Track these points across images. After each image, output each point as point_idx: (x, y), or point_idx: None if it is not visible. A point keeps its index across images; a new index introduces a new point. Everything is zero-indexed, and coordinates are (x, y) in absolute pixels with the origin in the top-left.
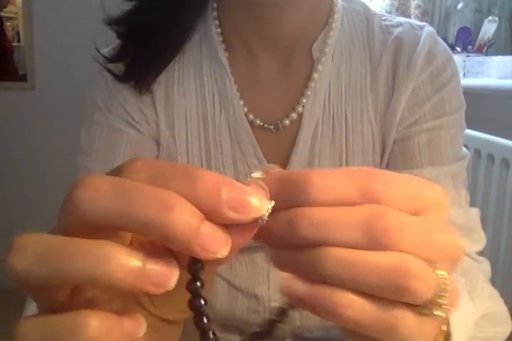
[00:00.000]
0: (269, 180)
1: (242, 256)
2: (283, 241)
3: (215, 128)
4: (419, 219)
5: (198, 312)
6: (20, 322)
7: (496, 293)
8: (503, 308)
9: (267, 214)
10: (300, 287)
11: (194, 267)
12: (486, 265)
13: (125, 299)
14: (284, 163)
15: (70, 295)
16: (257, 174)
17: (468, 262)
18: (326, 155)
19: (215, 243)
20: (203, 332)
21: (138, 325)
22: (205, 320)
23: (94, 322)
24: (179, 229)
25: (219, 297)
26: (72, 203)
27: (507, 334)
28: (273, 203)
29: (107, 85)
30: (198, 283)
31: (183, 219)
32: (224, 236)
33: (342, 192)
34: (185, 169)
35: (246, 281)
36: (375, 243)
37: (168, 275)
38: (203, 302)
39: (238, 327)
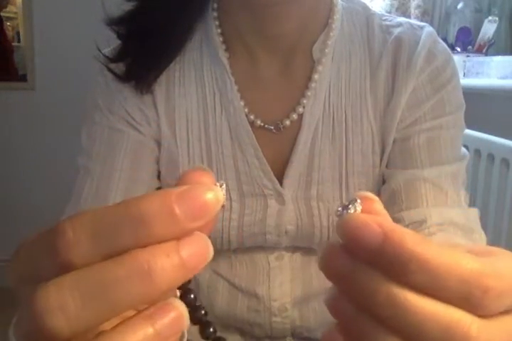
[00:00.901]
0: (375, 226)
1: (242, 255)
2: (352, 297)
3: (216, 129)
4: (507, 332)
5: (201, 323)
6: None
7: None
8: None
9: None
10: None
11: (188, 298)
12: None
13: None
14: (285, 163)
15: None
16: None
17: None
18: (326, 156)
19: (202, 258)
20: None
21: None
22: (211, 330)
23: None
24: (170, 280)
25: (219, 296)
26: (47, 332)
27: None
28: (359, 202)
29: (107, 85)
30: (191, 295)
31: (167, 270)
32: (203, 241)
33: (444, 286)
34: (124, 213)
35: (246, 281)
36: None
37: (179, 326)
38: (203, 312)
39: (238, 326)
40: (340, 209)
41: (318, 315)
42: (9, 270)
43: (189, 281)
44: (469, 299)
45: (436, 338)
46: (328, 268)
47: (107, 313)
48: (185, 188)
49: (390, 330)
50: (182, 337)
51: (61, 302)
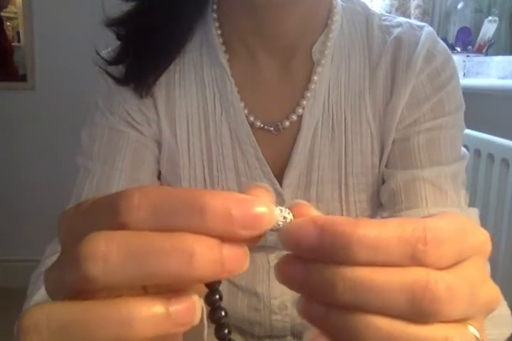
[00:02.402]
0: (308, 225)
1: None
2: (317, 297)
3: (216, 130)
4: (465, 279)
5: (218, 323)
6: (29, 309)
7: None
8: (507, 311)
9: (281, 220)
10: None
11: (213, 298)
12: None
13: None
14: (284, 164)
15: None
16: (282, 208)
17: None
18: (325, 157)
19: (240, 263)
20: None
21: (192, 310)
22: (225, 331)
23: (144, 310)
24: (206, 271)
25: None
26: (81, 277)
27: (508, 335)
28: (287, 211)
29: (107, 86)
30: (217, 296)
31: (208, 260)
32: (244, 252)
33: (388, 252)
34: (188, 199)
35: (246, 279)
36: (420, 314)
37: (192, 312)
38: (223, 313)
39: (238, 325)
40: (278, 224)
41: None
42: (62, 219)
43: (219, 282)
44: (415, 256)
45: (407, 304)
46: (284, 278)
47: (140, 277)
48: (247, 197)
49: (364, 313)
50: (202, 329)
51: (106, 252)
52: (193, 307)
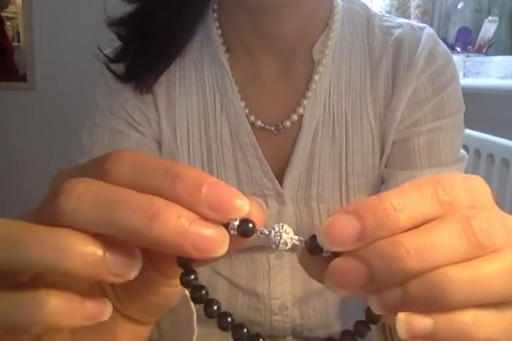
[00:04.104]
0: (345, 214)
1: (243, 255)
2: (384, 280)
3: (216, 129)
4: (492, 212)
5: (202, 302)
6: None
7: None
8: None
9: (282, 231)
10: (425, 323)
11: (187, 278)
12: None
13: (92, 288)
14: (285, 164)
15: (32, 278)
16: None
17: None
18: (325, 156)
19: (210, 243)
20: (220, 316)
21: (102, 308)
22: (215, 307)
23: (54, 300)
24: (167, 235)
25: (219, 295)
26: (54, 210)
27: None
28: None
29: (108, 86)
30: (192, 276)
31: (170, 225)
32: (219, 234)
33: (422, 210)
34: (168, 166)
35: (246, 280)
36: (479, 247)
37: (129, 266)
38: (204, 292)
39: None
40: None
41: (319, 314)
42: (56, 175)
43: (193, 260)
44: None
45: (464, 244)
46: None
47: (103, 223)
48: (224, 183)
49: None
50: (191, 316)
51: (82, 193)
52: (131, 261)
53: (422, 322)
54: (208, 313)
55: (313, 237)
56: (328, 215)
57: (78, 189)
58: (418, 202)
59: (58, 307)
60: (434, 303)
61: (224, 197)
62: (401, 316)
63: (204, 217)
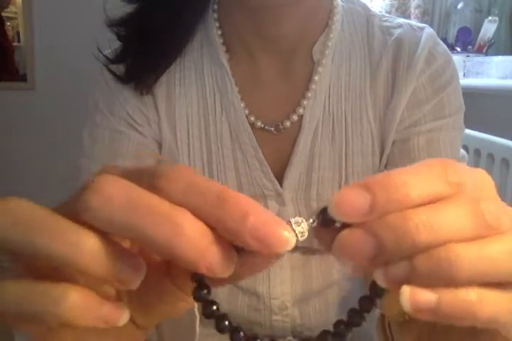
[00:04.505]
0: (360, 188)
1: None
2: (392, 253)
3: (216, 130)
4: (497, 200)
5: (213, 317)
6: (2, 281)
7: None
8: None
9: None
10: (430, 297)
11: (196, 276)
12: None
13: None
14: (285, 164)
15: (54, 272)
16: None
17: None
18: (325, 157)
19: (222, 266)
20: (233, 330)
21: (119, 314)
22: (226, 323)
23: (74, 295)
24: (187, 251)
25: (220, 295)
26: (79, 205)
27: None
28: (305, 234)
29: (108, 86)
30: (205, 290)
31: (192, 242)
32: (231, 259)
33: (431, 188)
34: (219, 190)
35: (246, 280)
36: (487, 228)
37: (135, 276)
38: (215, 307)
39: (238, 325)
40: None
41: (319, 314)
42: (102, 170)
43: (209, 291)
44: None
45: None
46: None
47: (126, 226)
48: (272, 214)
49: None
50: (194, 320)
51: (112, 192)
52: (136, 271)
53: (427, 296)
54: (220, 328)
55: (324, 210)
56: None
57: (109, 188)
58: (428, 180)
59: (76, 303)
60: (440, 278)
61: (270, 230)
62: (406, 288)
63: (247, 246)
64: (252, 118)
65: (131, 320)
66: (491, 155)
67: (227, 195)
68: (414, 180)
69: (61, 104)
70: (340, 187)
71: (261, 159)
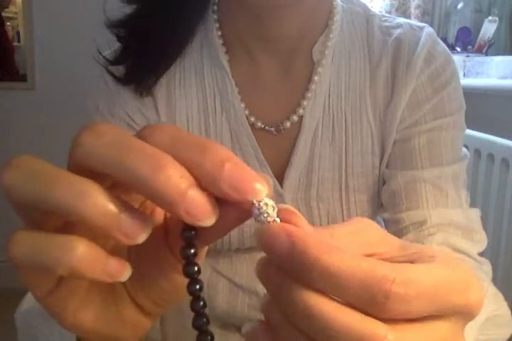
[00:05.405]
0: (282, 235)
1: (243, 254)
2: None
3: (216, 131)
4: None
5: (191, 278)
6: (15, 232)
7: (499, 294)
8: (507, 311)
9: (269, 210)
10: None
11: (187, 234)
12: (487, 266)
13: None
14: (285, 165)
15: (62, 227)
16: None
17: (470, 263)
18: (325, 157)
19: (201, 210)
20: (194, 298)
21: (123, 268)
22: (197, 286)
23: (83, 247)
24: (167, 189)
25: (220, 295)
26: (75, 141)
27: (508, 336)
28: (272, 203)
29: (108, 88)
30: (192, 250)
31: (172, 180)
32: (211, 206)
33: (346, 291)
34: (200, 139)
35: (247, 278)
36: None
37: (140, 228)
38: (196, 268)
39: (238, 325)
40: (256, 211)
41: None
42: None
43: (199, 271)
44: (373, 304)
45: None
46: (260, 277)
47: (111, 163)
48: (246, 166)
49: (308, 339)
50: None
51: (103, 131)
52: (142, 224)
53: None
54: (191, 291)
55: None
56: (328, 215)
57: (101, 127)
58: (348, 285)
59: (85, 255)
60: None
61: (244, 178)
62: None
63: (221, 194)
64: (252, 119)
65: (136, 304)
66: (491, 155)
67: (209, 144)
68: (334, 276)
69: (61, 104)
70: (340, 187)
71: (261, 159)
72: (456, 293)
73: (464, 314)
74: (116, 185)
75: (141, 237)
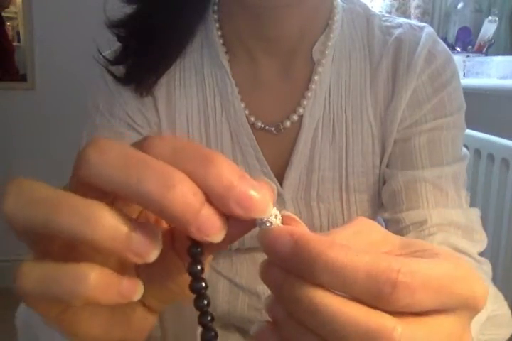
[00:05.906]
0: (285, 235)
1: (243, 255)
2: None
3: (216, 130)
4: (432, 333)
5: (198, 293)
6: (22, 263)
7: (499, 294)
8: (507, 311)
9: (272, 218)
10: None
11: (194, 250)
12: (487, 266)
13: (122, 267)
14: (285, 165)
15: (64, 248)
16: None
17: (470, 263)
18: (325, 157)
19: (212, 227)
20: (202, 313)
21: (135, 288)
22: (205, 302)
23: (95, 275)
24: (179, 208)
25: (220, 295)
26: (79, 161)
27: (508, 336)
28: (275, 211)
29: (108, 88)
30: (199, 267)
31: (185, 199)
32: (221, 222)
33: (351, 284)
34: (204, 150)
35: (247, 279)
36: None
37: (151, 248)
38: (203, 284)
39: (238, 325)
40: (260, 221)
41: None
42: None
43: (202, 270)
44: (379, 295)
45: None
46: (264, 278)
47: (120, 182)
48: (255, 182)
49: (315, 335)
50: (196, 328)
51: (109, 147)
52: (153, 243)
53: None
54: (198, 306)
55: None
56: (328, 215)
57: (106, 144)
58: (354, 278)
59: (98, 282)
60: None
61: (251, 197)
62: None
63: (227, 211)
64: (252, 119)
65: (143, 306)
66: (491, 155)
67: (213, 156)
68: (337, 273)
69: (61, 104)
70: (340, 187)
71: (261, 159)
72: (460, 285)
73: (469, 307)
74: (118, 197)
75: (153, 255)
